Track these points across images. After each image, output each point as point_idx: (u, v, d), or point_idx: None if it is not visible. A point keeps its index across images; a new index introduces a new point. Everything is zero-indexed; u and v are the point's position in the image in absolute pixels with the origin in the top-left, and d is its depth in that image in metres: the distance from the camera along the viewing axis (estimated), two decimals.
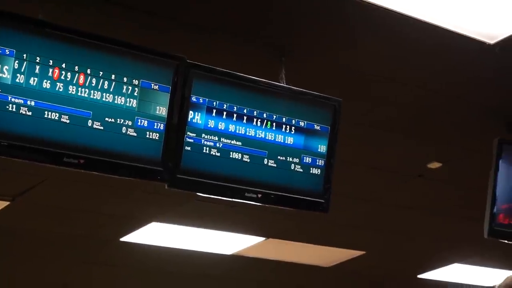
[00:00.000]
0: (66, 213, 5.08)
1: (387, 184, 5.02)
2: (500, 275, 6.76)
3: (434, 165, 4.73)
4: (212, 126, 3.33)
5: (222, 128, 3.36)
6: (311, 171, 3.59)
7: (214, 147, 3.34)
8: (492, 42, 3.48)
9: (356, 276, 6.57)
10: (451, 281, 6.89)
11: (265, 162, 3.47)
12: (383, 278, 6.67)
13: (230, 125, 3.37)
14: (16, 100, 2.87)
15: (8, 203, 4.72)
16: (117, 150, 3.10)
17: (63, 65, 2.95)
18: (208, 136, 3.32)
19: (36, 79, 2.90)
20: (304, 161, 3.57)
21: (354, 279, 6.62)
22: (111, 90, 3.07)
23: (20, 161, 2.97)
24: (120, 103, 3.10)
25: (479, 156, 4.17)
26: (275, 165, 3.49)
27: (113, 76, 3.07)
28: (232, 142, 3.38)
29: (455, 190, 5.08)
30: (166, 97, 3.21)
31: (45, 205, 4.92)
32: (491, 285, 6.94)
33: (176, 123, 3.24)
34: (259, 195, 3.45)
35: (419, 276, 6.77)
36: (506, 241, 4.17)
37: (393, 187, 5.06)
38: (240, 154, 3.40)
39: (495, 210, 4.09)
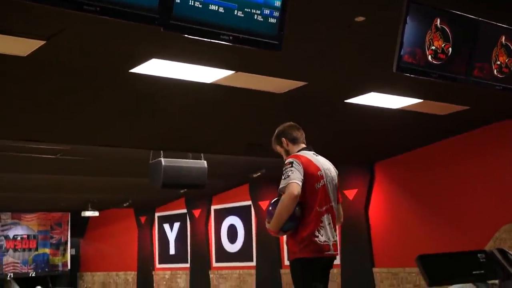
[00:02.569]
0: (89, 50, 4.98)
1: (325, 32, 4.96)
2: (404, 101, 6.89)
3: (360, 19, 4.68)
4: None
5: None
6: (269, 21, 3.54)
7: (198, 0, 3.26)
8: None
9: (300, 100, 6.65)
10: (368, 104, 7.00)
11: (235, 13, 3.40)
12: (319, 101, 6.75)
13: None
14: None
15: (44, 42, 4.61)
16: (124, 0, 3.01)
17: None
18: None
19: None
20: (264, 12, 3.50)
21: (298, 102, 6.71)
22: None
23: (51, 8, 2.87)
24: None
25: (393, 12, 4.13)
26: (242, 15, 3.42)
27: None
28: None
29: (370, 37, 5.04)
30: None
31: (72, 45, 4.81)
32: (398, 107, 7.07)
33: None
34: (230, 37, 3.41)
35: (346, 100, 6.86)
36: (408, 74, 4.22)
37: (330, 35, 5.01)
38: (216, 6, 3.32)
39: (402, 52, 4.11)
